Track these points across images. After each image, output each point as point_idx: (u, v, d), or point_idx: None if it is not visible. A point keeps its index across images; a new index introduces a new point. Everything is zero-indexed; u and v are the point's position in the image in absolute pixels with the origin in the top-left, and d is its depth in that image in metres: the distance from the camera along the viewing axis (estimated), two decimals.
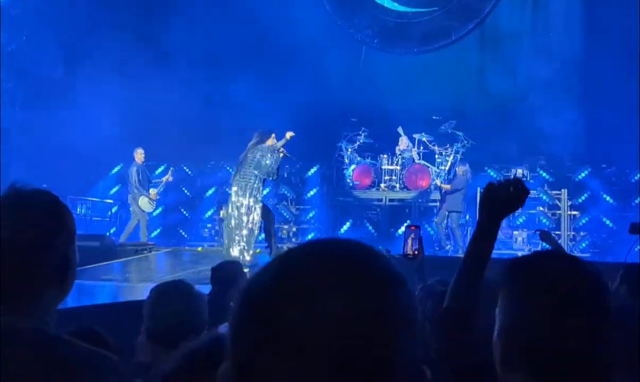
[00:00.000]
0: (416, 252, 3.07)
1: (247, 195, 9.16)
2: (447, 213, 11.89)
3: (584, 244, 12.74)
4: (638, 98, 11.74)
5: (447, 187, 12.02)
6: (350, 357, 0.81)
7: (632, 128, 11.89)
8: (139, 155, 11.94)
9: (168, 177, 12.43)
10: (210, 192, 14.15)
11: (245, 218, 9.13)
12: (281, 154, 9.32)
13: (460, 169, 12.02)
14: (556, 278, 1.40)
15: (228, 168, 14.04)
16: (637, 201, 12.71)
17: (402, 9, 14.81)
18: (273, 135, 9.46)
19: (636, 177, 12.97)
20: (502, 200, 1.90)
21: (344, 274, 0.84)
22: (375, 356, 0.83)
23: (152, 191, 12.00)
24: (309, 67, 13.52)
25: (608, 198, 12.98)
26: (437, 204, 12.71)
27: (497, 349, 1.42)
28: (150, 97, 12.54)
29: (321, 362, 0.81)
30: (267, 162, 9.23)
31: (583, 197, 13.12)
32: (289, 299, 0.83)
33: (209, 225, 13.78)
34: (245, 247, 9.14)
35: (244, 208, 9.14)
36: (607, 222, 12.76)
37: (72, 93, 12.98)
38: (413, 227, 3.18)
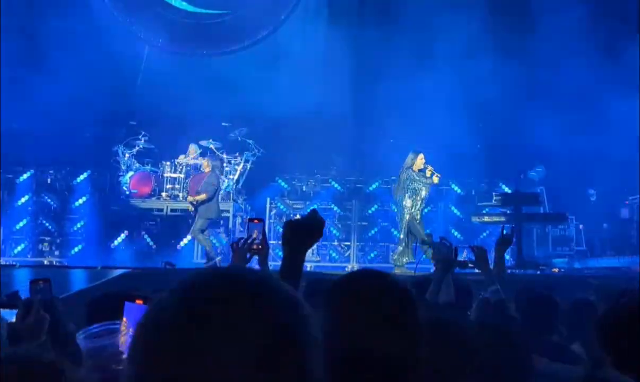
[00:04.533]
0: (260, 247, 2.94)
1: None
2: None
3: (372, 255, 12.55)
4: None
5: (203, 196, 10.95)
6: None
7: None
8: None
9: None
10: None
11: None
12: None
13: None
14: (368, 296, 1.54)
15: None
16: None
17: (191, 9, 13.89)
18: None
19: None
20: (304, 233, 2.10)
21: (247, 302, 0.87)
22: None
23: None
24: (82, 63, 12.01)
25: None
26: (228, 214, 12.03)
27: None
28: None
29: None
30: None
31: (373, 209, 12.95)
32: (190, 341, 0.84)
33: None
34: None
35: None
36: (395, 233, 12.68)
37: None
38: (256, 220, 3.03)
